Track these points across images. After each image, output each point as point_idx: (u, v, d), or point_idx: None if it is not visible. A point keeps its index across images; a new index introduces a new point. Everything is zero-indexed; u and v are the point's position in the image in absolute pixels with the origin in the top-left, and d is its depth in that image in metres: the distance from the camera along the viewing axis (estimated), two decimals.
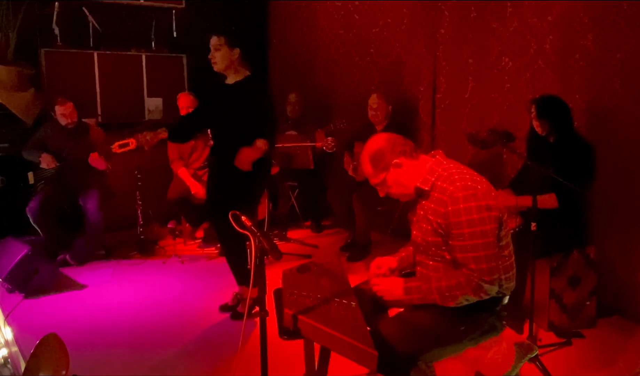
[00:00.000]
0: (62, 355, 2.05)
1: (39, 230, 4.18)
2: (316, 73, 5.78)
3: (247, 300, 3.20)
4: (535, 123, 3.16)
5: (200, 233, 5.04)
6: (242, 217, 1.99)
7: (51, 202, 4.21)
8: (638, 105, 3.16)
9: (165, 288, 3.90)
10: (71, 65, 5.24)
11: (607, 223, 3.32)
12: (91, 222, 4.25)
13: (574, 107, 3.21)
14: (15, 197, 4.42)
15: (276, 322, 1.94)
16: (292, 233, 5.13)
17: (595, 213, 3.29)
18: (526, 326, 2.91)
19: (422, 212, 2.05)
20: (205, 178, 4.21)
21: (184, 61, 5.81)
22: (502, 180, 3.92)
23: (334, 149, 4.58)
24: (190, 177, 4.74)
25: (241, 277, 3.36)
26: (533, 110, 3.14)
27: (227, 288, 3.83)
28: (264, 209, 4.75)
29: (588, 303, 3.17)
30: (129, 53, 5.54)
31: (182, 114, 4.93)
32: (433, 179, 1.99)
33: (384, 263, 2.25)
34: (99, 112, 5.41)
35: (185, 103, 4.86)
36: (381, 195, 2.14)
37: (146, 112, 5.66)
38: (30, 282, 3.66)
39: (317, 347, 1.98)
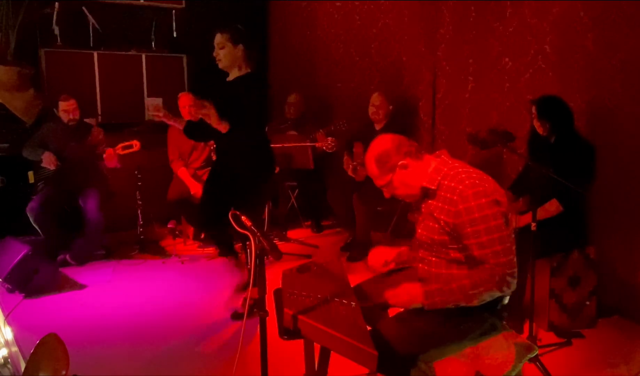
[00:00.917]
0: (62, 355, 2.05)
1: (39, 230, 4.18)
2: (316, 73, 5.78)
3: (247, 300, 3.24)
4: (535, 124, 3.16)
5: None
6: (242, 217, 1.99)
7: (51, 202, 4.21)
8: (638, 105, 3.16)
9: (165, 288, 3.90)
10: (71, 65, 5.24)
11: (607, 223, 3.32)
12: (91, 222, 4.25)
13: (574, 107, 3.21)
14: (15, 197, 4.42)
15: (276, 322, 1.94)
16: (292, 233, 5.13)
17: (595, 213, 3.29)
18: (526, 326, 2.91)
19: (427, 211, 2.04)
20: (205, 178, 4.21)
21: (184, 61, 5.81)
22: (502, 180, 3.92)
23: (334, 149, 4.58)
24: (190, 177, 4.74)
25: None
26: (534, 110, 3.15)
27: (227, 288, 3.83)
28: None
29: (588, 303, 3.17)
30: (129, 53, 5.54)
31: (182, 114, 4.93)
32: (439, 178, 1.99)
33: (381, 254, 2.25)
34: (99, 112, 5.41)
35: (186, 103, 4.87)
36: (386, 196, 2.13)
37: (146, 112, 5.66)
38: (30, 282, 3.66)
39: (317, 347, 1.98)
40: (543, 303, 3.11)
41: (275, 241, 4.57)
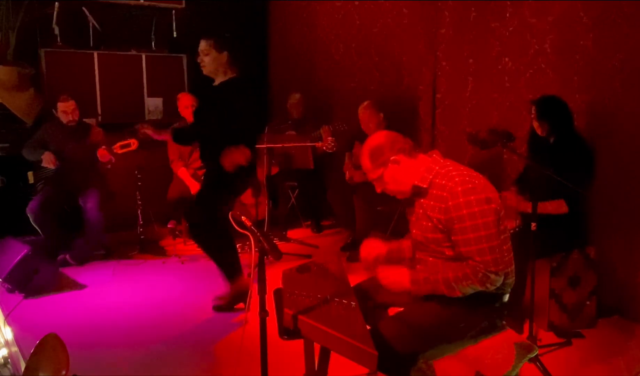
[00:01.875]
0: (62, 355, 2.05)
1: (39, 230, 4.18)
2: (316, 73, 5.77)
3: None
4: (535, 124, 3.16)
5: None
6: (242, 217, 1.99)
7: (51, 202, 4.21)
8: (638, 105, 3.16)
9: (165, 288, 3.90)
10: (71, 65, 5.24)
11: (607, 223, 3.32)
12: (91, 222, 4.25)
13: (574, 107, 3.21)
14: (15, 197, 4.41)
15: (276, 322, 1.94)
16: (292, 233, 5.13)
17: (595, 213, 3.29)
18: (526, 326, 2.91)
19: (421, 211, 2.06)
20: None
21: (184, 61, 5.81)
22: (502, 180, 3.92)
23: (334, 149, 4.58)
24: (190, 177, 4.74)
25: (225, 272, 3.38)
26: (533, 111, 3.15)
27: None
28: (264, 209, 4.75)
29: (588, 303, 3.17)
30: (129, 53, 5.54)
31: (182, 114, 4.93)
32: (431, 177, 2.01)
33: (373, 248, 2.28)
34: (99, 112, 5.41)
35: (185, 103, 4.87)
36: (378, 190, 2.15)
37: (146, 112, 5.66)
38: (30, 282, 3.66)
39: (317, 347, 1.98)
40: (543, 303, 3.11)
41: (275, 241, 4.57)
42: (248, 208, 4.87)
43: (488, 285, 1.91)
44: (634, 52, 3.14)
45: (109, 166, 4.40)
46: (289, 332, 1.84)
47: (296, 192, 5.42)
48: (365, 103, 4.51)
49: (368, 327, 1.85)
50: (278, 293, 2.14)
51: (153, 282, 4.01)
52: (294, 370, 2.54)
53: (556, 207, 3.00)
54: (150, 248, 4.67)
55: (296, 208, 5.49)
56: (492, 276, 1.89)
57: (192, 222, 3.39)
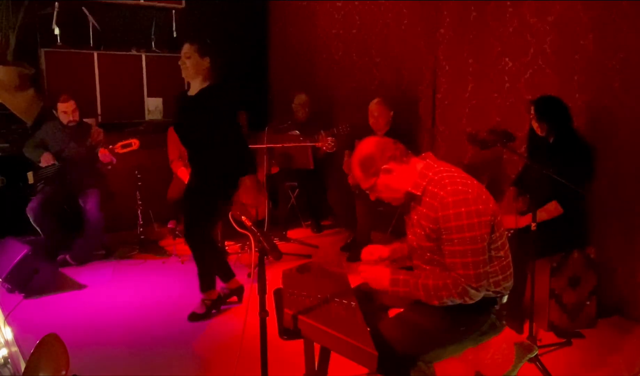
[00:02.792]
0: (62, 355, 2.05)
1: (39, 230, 4.18)
2: (316, 73, 5.77)
3: (205, 301, 3.34)
4: (534, 125, 3.16)
5: None
6: (242, 217, 1.99)
7: (51, 202, 4.21)
8: (638, 105, 3.16)
9: (165, 288, 3.90)
10: (71, 65, 5.24)
11: (607, 223, 3.32)
12: (91, 222, 4.25)
13: (573, 107, 3.21)
14: (15, 197, 4.41)
15: (276, 322, 1.94)
16: (292, 233, 5.13)
17: (595, 213, 3.29)
18: (526, 326, 2.91)
19: (416, 217, 2.04)
20: None
21: None
22: (502, 180, 3.92)
23: (334, 149, 4.58)
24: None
25: (207, 283, 3.37)
26: (532, 111, 3.15)
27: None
28: (264, 209, 4.75)
29: (588, 303, 3.17)
30: (129, 53, 5.54)
31: None
32: (424, 184, 1.98)
33: (375, 250, 2.26)
34: (99, 112, 5.41)
35: None
36: (372, 198, 2.15)
37: (146, 112, 5.66)
38: (30, 281, 3.66)
39: (317, 347, 1.98)
40: (543, 303, 3.11)
41: (275, 241, 4.56)
42: (248, 208, 4.87)
43: (466, 299, 1.89)
44: (634, 52, 3.14)
45: (110, 167, 4.40)
46: (289, 332, 1.84)
47: (296, 192, 5.42)
48: (377, 99, 4.50)
49: (368, 327, 1.85)
50: (278, 293, 2.14)
51: (153, 282, 4.01)
52: (294, 370, 2.54)
53: (551, 211, 3.00)
54: (150, 248, 4.67)
55: (296, 208, 5.48)
56: (472, 291, 1.88)
57: (190, 234, 3.36)
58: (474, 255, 1.86)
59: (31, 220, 4.12)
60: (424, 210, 1.97)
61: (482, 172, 4.01)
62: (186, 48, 3.19)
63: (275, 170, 4.95)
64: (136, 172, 4.57)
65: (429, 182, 1.97)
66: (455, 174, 1.96)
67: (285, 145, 4.62)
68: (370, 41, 5.11)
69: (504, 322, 2.08)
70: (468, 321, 1.98)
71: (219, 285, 3.54)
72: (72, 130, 4.37)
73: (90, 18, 5.23)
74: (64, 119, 4.33)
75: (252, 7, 6.31)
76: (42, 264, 3.75)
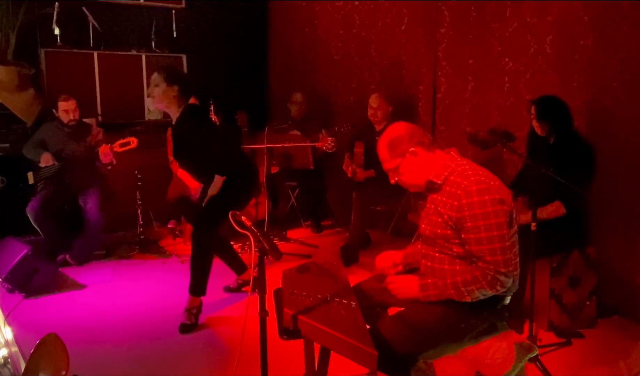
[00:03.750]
0: (62, 355, 2.05)
1: (39, 230, 4.18)
2: (316, 73, 5.78)
3: (191, 310, 3.30)
4: (535, 124, 3.16)
5: None
6: (242, 217, 1.99)
7: (51, 202, 4.21)
8: (638, 105, 3.16)
9: (165, 288, 3.90)
10: (71, 65, 5.24)
11: (607, 223, 3.32)
12: (91, 222, 4.25)
13: (574, 107, 3.21)
14: (15, 197, 4.42)
15: (276, 322, 1.94)
16: (292, 233, 5.13)
17: (595, 213, 3.29)
18: (526, 326, 2.91)
19: (432, 206, 2.07)
20: None
21: (184, 61, 5.81)
22: (502, 180, 3.91)
23: (334, 149, 4.58)
24: (190, 177, 4.73)
25: (201, 287, 3.34)
26: (533, 111, 3.14)
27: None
28: (264, 209, 4.75)
29: (588, 303, 3.17)
30: (129, 53, 5.54)
31: None
32: (446, 173, 2.02)
33: (389, 257, 2.27)
34: (99, 112, 5.41)
35: None
36: (392, 182, 2.15)
37: (146, 112, 5.66)
38: (30, 281, 3.66)
39: (317, 347, 1.98)
40: (543, 303, 3.11)
41: (275, 241, 4.57)
42: (248, 208, 4.87)
43: (498, 288, 1.90)
44: (634, 52, 3.14)
45: (110, 167, 4.40)
46: (289, 332, 1.84)
47: (296, 192, 5.42)
48: (377, 93, 4.53)
49: (368, 327, 1.85)
50: (278, 293, 2.14)
51: (153, 282, 4.01)
52: (294, 370, 2.54)
53: (553, 211, 3.00)
54: (150, 248, 4.67)
55: (296, 208, 5.48)
56: (502, 277, 1.89)
57: (198, 234, 3.37)
58: (500, 241, 1.88)
59: (31, 220, 4.12)
60: (444, 199, 2.00)
61: None
62: (154, 76, 3.21)
63: (275, 170, 4.96)
64: (136, 172, 4.57)
65: (451, 172, 2.01)
66: (478, 168, 2.02)
67: (285, 145, 4.62)
68: (370, 41, 5.11)
69: (505, 323, 2.08)
70: (468, 319, 1.99)
71: (233, 277, 3.65)
72: (72, 130, 4.37)
73: (90, 18, 5.23)
74: (65, 118, 4.33)
75: (252, 7, 6.31)
76: (42, 264, 3.75)
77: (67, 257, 4.28)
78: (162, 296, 3.75)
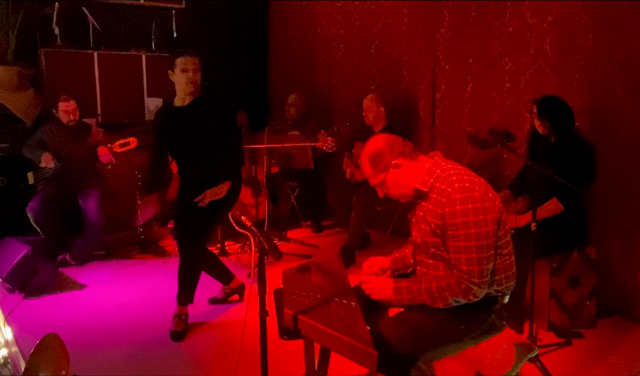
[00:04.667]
0: (62, 355, 2.05)
1: (39, 230, 4.18)
2: (316, 73, 5.78)
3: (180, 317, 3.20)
4: (536, 123, 3.16)
5: None
6: (242, 217, 1.99)
7: (51, 202, 4.21)
8: (638, 105, 3.16)
9: (165, 288, 3.89)
10: (71, 65, 5.24)
11: (607, 223, 3.32)
12: (91, 222, 4.25)
13: (574, 107, 3.21)
14: (15, 197, 4.41)
15: (276, 322, 1.94)
16: (292, 233, 5.13)
17: (595, 213, 3.29)
18: (526, 326, 2.91)
19: (421, 214, 2.06)
20: None
21: None
22: (502, 180, 3.92)
23: (334, 149, 4.58)
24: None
25: (189, 296, 3.28)
26: (534, 110, 3.14)
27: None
28: (264, 209, 4.75)
29: (588, 303, 3.17)
30: (129, 53, 5.54)
31: None
32: (431, 180, 2.00)
33: (376, 262, 2.26)
34: (99, 112, 5.40)
35: None
36: (380, 195, 2.15)
37: (146, 112, 5.65)
38: (30, 281, 3.66)
39: (317, 347, 1.98)
40: (543, 303, 3.11)
41: (275, 241, 4.57)
42: (248, 208, 4.87)
43: (471, 297, 1.91)
44: (634, 52, 3.14)
45: (110, 167, 4.40)
46: (289, 332, 1.84)
47: (296, 192, 5.42)
48: (371, 94, 4.53)
49: (368, 327, 1.85)
50: (278, 293, 2.14)
51: (153, 282, 4.01)
52: (294, 370, 2.54)
53: (551, 209, 3.00)
54: (150, 248, 4.67)
55: (296, 208, 5.48)
56: (475, 288, 1.89)
57: (187, 249, 3.24)
58: (478, 252, 1.88)
59: (31, 220, 4.12)
60: (430, 206, 1.99)
61: (482, 172, 4.00)
62: (196, 61, 3.12)
63: (275, 170, 4.96)
64: (136, 172, 4.57)
65: (436, 178, 1.99)
66: (463, 172, 1.99)
67: (285, 145, 4.62)
68: (370, 41, 5.11)
69: (505, 322, 2.08)
70: (468, 320, 1.99)
71: (220, 286, 3.55)
72: (72, 130, 4.38)
73: (90, 18, 5.23)
74: (65, 118, 4.34)
75: (252, 7, 6.31)
76: (42, 264, 3.75)
77: (67, 257, 4.28)
78: (162, 296, 3.74)
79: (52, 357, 2.05)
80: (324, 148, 4.56)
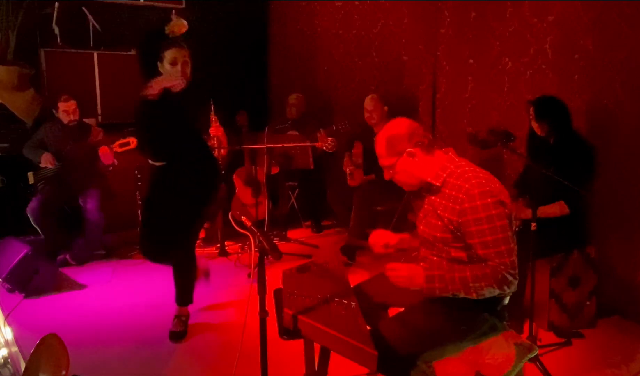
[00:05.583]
0: (62, 355, 2.05)
1: (39, 230, 4.18)
2: (316, 73, 5.78)
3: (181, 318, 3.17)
4: (534, 124, 3.16)
5: (202, 233, 5.03)
6: (242, 217, 1.99)
7: (51, 202, 4.21)
8: (638, 105, 3.16)
9: (165, 288, 3.89)
10: (71, 65, 5.24)
11: (607, 223, 3.32)
12: (91, 222, 4.25)
13: (574, 107, 3.21)
14: (15, 197, 4.41)
15: (276, 322, 1.94)
16: (292, 233, 5.13)
17: (595, 213, 3.29)
18: (526, 326, 2.91)
19: (430, 207, 2.04)
20: None
21: None
22: (502, 180, 3.91)
23: (334, 149, 4.58)
24: None
25: (189, 297, 3.24)
26: (531, 111, 3.14)
27: (226, 288, 3.84)
28: (264, 209, 4.75)
29: (588, 303, 3.17)
30: (129, 53, 5.54)
31: None
32: (445, 175, 2.00)
33: (383, 236, 2.24)
34: (99, 112, 5.40)
35: None
36: (386, 177, 2.12)
37: None
38: (30, 281, 3.66)
39: (317, 347, 1.98)
40: (543, 303, 3.11)
41: (275, 241, 4.57)
42: (248, 208, 4.87)
43: (505, 288, 1.88)
44: (634, 52, 3.14)
45: (111, 168, 4.40)
46: (289, 332, 1.84)
47: (296, 192, 5.42)
48: (371, 94, 4.53)
49: (368, 327, 1.85)
50: (278, 293, 2.14)
51: (153, 282, 4.00)
52: (294, 370, 2.54)
53: (558, 210, 3.00)
54: None
55: (296, 208, 5.48)
56: (511, 278, 1.87)
57: (179, 252, 3.14)
58: (505, 243, 1.87)
59: (31, 220, 4.12)
60: (444, 201, 1.97)
61: None
62: (186, 53, 3.07)
63: (275, 170, 4.95)
64: (136, 172, 4.57)
65: (450, 174, 1.99)
66: (477, 169, 2.00)
67: (285, 145, 4.62)
68: (370, 41, 5.11)
69: (505, 323, 2.07)
70: (468, 321, 1.98)
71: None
72: (72, 130, 4.37)
73: (90, 18, 5.23)
74: (65, 119, 4.34)
75: (252, 7, 6.30)
76: (42, 264, 3.75)
77: (67, 257, 4.28)
78: (162, 296, 3.74)
79: (52, 357, 2.05)
80: (324, 148, 4.56)
